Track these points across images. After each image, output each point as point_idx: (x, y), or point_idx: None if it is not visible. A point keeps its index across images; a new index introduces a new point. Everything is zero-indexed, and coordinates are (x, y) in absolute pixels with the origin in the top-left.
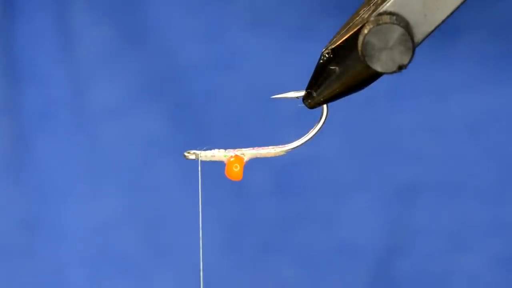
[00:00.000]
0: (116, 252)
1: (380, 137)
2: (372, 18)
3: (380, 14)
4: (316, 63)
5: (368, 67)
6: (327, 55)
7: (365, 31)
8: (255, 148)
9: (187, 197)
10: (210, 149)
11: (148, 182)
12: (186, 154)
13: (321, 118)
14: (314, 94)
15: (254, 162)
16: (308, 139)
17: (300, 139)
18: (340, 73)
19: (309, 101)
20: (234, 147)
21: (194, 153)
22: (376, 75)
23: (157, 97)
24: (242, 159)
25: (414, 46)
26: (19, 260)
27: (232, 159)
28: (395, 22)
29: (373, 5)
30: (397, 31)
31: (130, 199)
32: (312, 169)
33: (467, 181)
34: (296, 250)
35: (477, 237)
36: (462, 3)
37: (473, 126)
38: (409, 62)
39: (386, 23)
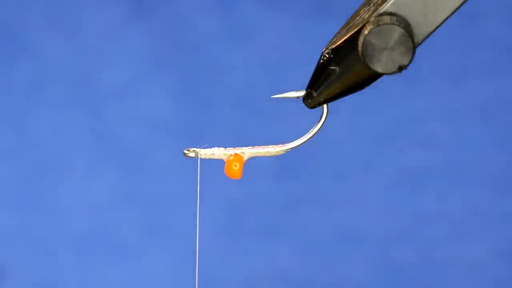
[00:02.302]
0: (110, 232)
1: (389, 121)
2: (372, 19)
3: (381, 15)
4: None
5: (368, 68)
6: (327, 55)
7: (366, 31)
8: (254, 147)
9: (187, 179)
10: (210, 147)
11: (149, 163)
12: (185, 151)
13: (321, 118)
14: (314, 94)
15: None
16: (308, 139)
17: (300, 139)
18: (340, 73)
19: (309, 101)
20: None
21: (193, 150)
22: (377, 75)
23: (164, 73)
24: (241, 157)
25: (414, 47)
26: (11, 237)
27: (231, 157)
28: (395, 22)
29: (373, 5)
30: (398, 31)
31: (128, 179)
32: (315, 150)
33: (477, 169)
34: (296, 234)
35: (483, 226)
36: (462, 3)
37: (486, 113)
38: (410, 62)
39: (386, 23)
